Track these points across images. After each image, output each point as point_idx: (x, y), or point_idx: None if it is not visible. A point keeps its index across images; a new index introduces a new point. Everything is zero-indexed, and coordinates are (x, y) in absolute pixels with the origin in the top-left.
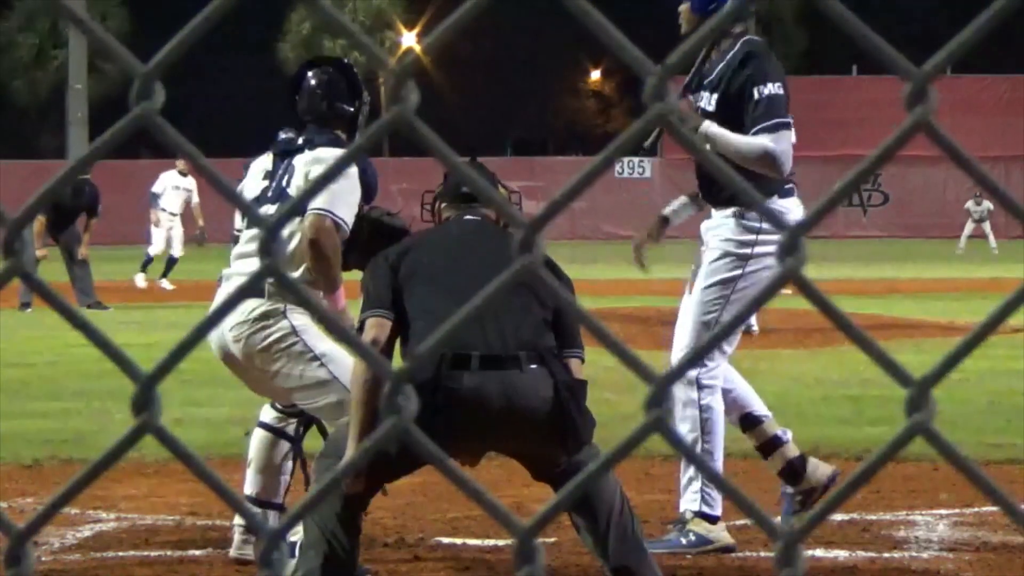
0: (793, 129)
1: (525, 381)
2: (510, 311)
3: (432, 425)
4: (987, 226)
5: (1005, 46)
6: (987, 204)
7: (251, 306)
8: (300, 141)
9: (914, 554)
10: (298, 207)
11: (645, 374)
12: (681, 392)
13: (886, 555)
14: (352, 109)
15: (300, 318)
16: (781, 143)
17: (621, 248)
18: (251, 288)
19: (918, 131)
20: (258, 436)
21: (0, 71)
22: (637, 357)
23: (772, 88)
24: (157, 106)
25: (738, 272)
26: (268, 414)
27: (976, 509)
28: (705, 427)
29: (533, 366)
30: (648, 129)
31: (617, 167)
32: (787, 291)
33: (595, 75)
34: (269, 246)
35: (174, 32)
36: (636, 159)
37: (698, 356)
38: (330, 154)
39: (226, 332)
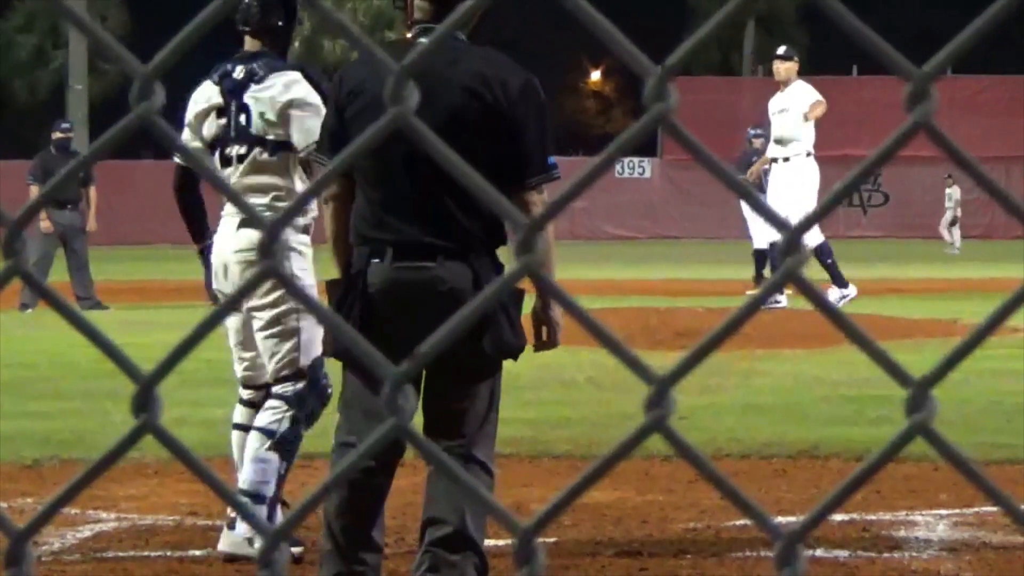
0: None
1: (436, 273)
2: (434, 202)
3: (349, 316)
4: (957, 214)
5: (1005, 46)
6: (957, 193)
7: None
8: (241, 75)
9: (914, 554)
10: (300, 209)
11: (645, 374)
12: None
13: (886, 555)
14: (281, 24)
15: (298, 262)
16: None
17: (621, 248)
18: (251, 289)
19: (918, 131)
20: (235, 437)
21: (0, 71)
22: (637, 357)
23: None
24: (157, 107)
25: None
26: (239, 414)
27: (976, 509)
28: None
29: (451, 261)
30: (648, 130)
31: (617, 167)
32: (787, 291)
33: (595, 75)
34: (269, 247)
35: (174, 32)
36: (636, 159)
37: (706, 351)
38: (287, 79)
39: (229, 255)
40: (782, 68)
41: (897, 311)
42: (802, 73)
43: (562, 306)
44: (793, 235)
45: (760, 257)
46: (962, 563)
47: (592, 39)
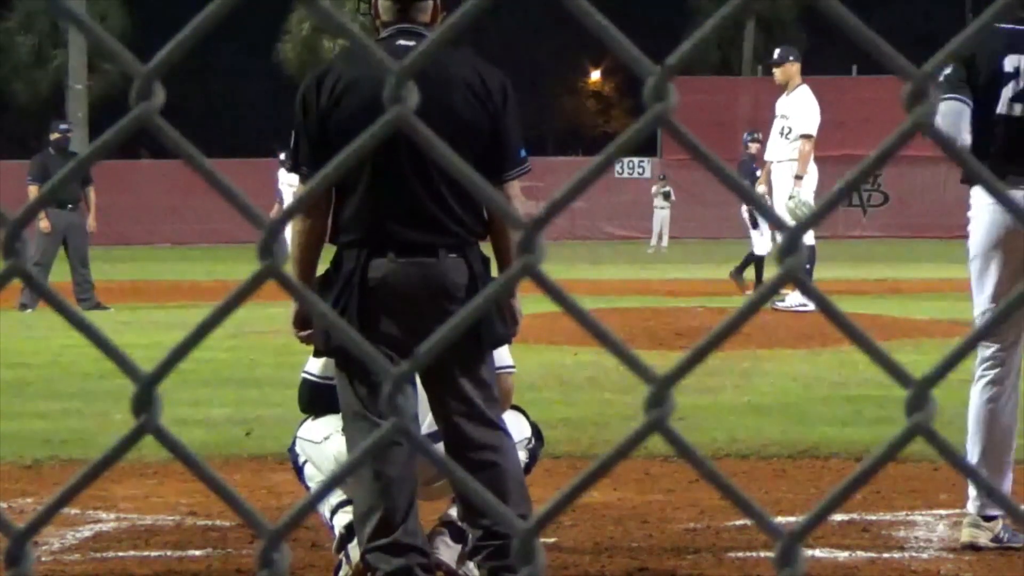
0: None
1: (439, 268)
2: (433, 200)
3: (347, 310)
4: None
5: None
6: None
7: None
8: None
9: (914, 554)
10: (298, 210)
11: (645, 374)
12: None
13: (886, 555)
14: None
15: None
16: None
17: (620, 248)
18: (250, 290)
19: (918, 131)
20: None
21: (0, 71)
22: (637, 357)
23: None
24: (157, 106)
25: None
26: None
27: None
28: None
29: (451, 255)
30: (648, 130)
31: (617, 167)
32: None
33: (595, 75)
34: (269, 246)
35: (174, 32)
36: (636, 159)
37: (706, 351)
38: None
39: None
40: (778, 72)
41: (897, 311)
42: (802, 73)
43: (562, 307)
44: (793, 235)
45: (760, 262)
46: (962, 563)
47: (592, 39)
